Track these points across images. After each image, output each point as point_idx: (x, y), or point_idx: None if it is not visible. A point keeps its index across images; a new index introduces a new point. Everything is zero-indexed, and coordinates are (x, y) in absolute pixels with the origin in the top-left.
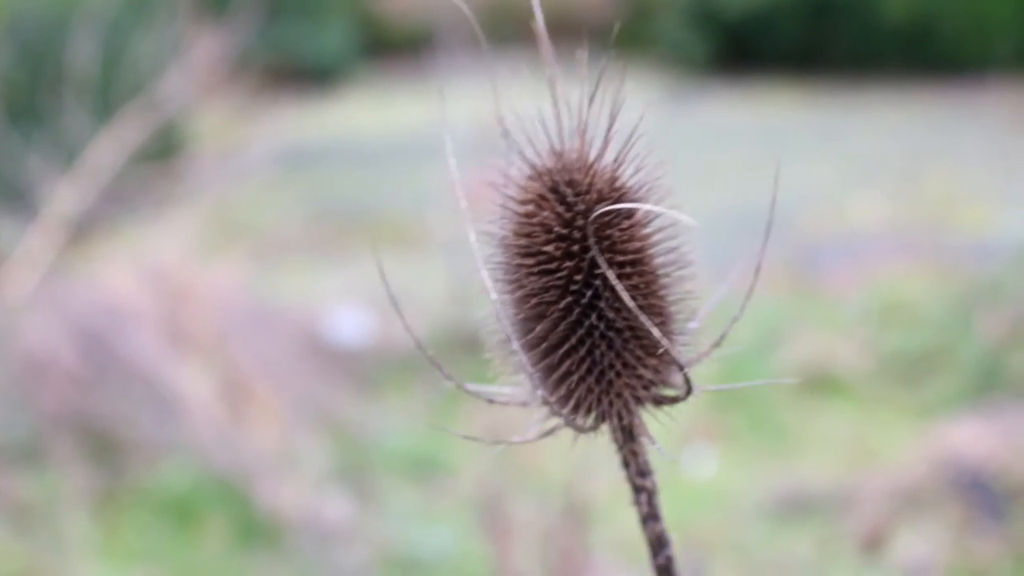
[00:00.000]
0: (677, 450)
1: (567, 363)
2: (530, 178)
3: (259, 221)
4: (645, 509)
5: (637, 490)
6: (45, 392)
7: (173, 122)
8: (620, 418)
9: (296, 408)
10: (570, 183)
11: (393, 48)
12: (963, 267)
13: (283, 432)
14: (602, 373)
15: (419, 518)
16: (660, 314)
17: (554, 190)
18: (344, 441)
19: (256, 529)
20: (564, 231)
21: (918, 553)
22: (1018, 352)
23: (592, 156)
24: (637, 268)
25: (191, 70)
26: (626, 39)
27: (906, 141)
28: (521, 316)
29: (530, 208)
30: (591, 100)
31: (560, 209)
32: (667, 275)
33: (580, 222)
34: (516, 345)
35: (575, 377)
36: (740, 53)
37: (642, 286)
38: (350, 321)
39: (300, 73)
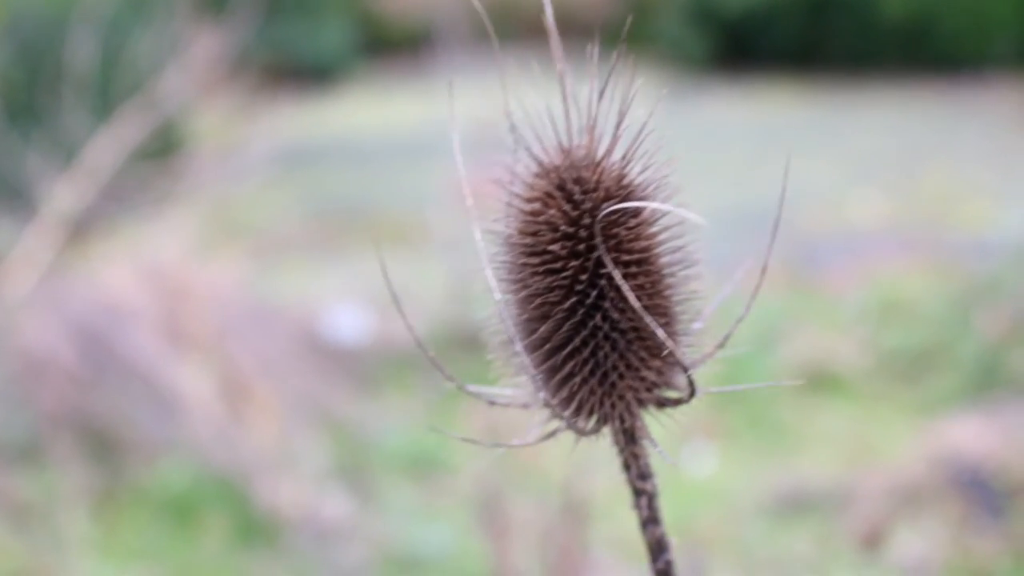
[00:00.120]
0: (677, 448)
1: (570, 364)
2: (537, 175)
3: (258, 220)
4: (645, 513)
5: (638, 493)
6: (44, 391)
7: (172, 121)
8: (622, 421)
9: (295, 407)
10: (577, 180)
11: (392, 46)
12: (962, 264)
13: (282, 431)
14: (605, 375)
15: (418, 516)
16: (665, 315)
17: (561, 188)
18: (343, 440)
19: (255, 528)
20: (570, 230)
21: (917, 551)
22: (1017, 349)
23: (600, 153)
24: (643, 268)
25: (190, 69)
26: (626, 36)
27: (905, 138)
28: (525, 317)
29: (536, 206)
30: (600, 97)
31: (567, 207)
32: (673, 275)
33: (587, 220)
34: (519, 346)
35: (578, 379)
36: (739, 51)
37: (648, 286)
38: (349, 319)
39: (299, 71)
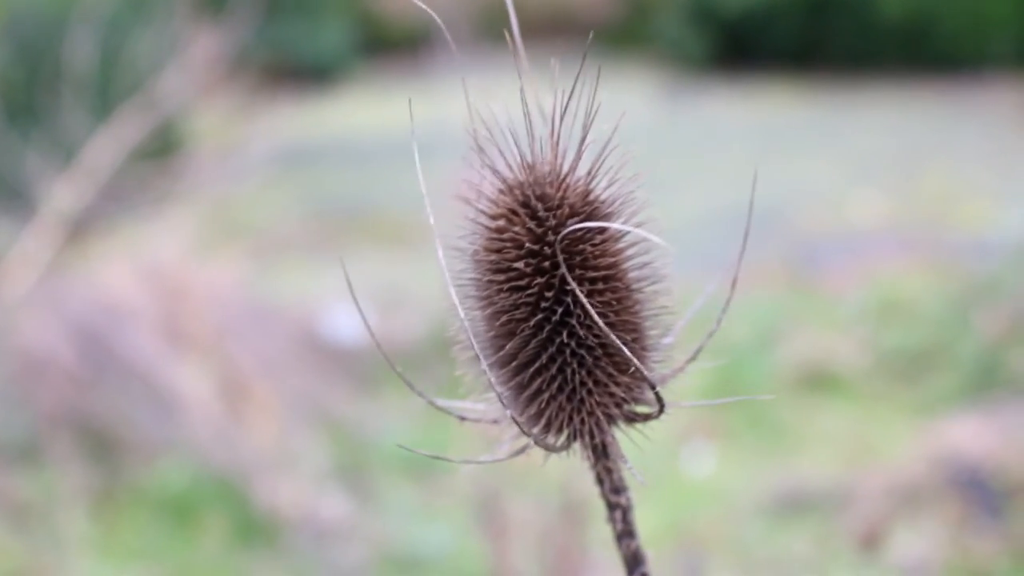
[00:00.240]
0: (675, 448)
1: (538, 381)
2: (501, 192)
3: (257, 219)
4: (620, 526)
5: (611, 507)
6: (43, 391)
7: (171, 120)
8: (592, 436)
9: (294, 406)
10: (541, 197)
11: (391, 46)
12: (961, 264)
13: (281, 431)
14: (573, 391)
15: (417, 516)
16: (633, 330)
17: (525, 205)
18: (342, 439)
19: (254, 527)
20: (535, 247)
21: (916, 550)
22: (1016, 349)
23: (565, 169)
24: (610, 284)
25: (189, 69)
26: (625, 37)
27: (904, 138)
28: (491, 333)
29: (501, 223)
30: (564, 110)
31: (531, 224)
32: (641, 290)
33: (551, 238)
34: (485, 364)
35: (546, 395)
36: (738, 51)
37: (614, 302)
38: (348, 319)
39: (298, 71)
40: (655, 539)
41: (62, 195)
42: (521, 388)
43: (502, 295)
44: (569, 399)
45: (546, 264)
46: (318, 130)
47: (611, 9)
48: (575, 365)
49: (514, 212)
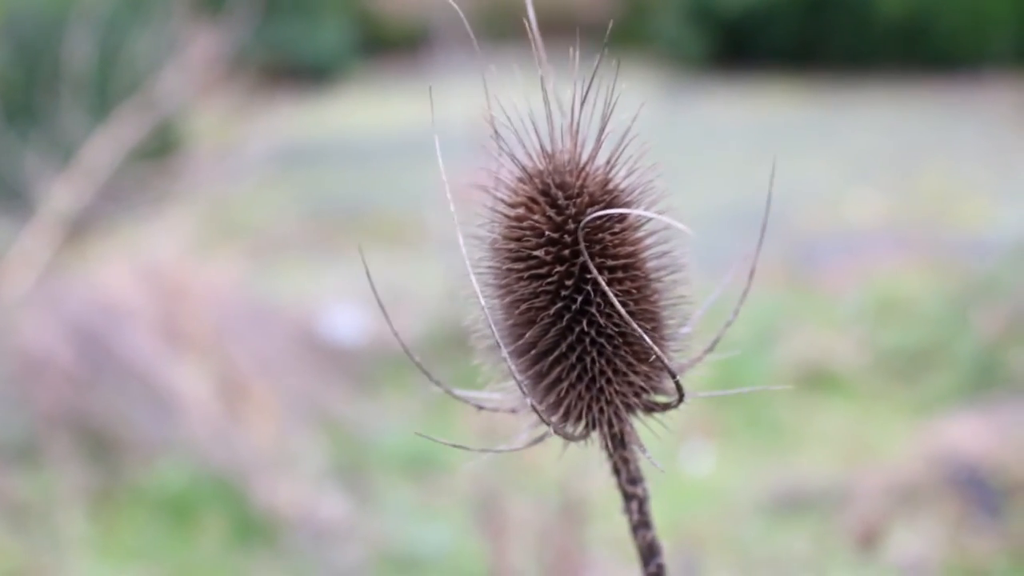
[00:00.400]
0: (674, 447)
1: (557, 370)
2: (521, 180)
3: (256, 219)
4: (636, 517)
5: (628, 497)
6: (41, 391)
7: (170, 120)
8: (610, 426)
9: (293, 406)
10: (561, 186)
11: (390, 46)
12: (959, 263)
13: (280, 430)
14: (592, 380)
15: (416, 516)
16: (652, 319)
17: (545, 193)
18: (341, 439)
19: (253, 527)
20: (555, 235)
21: (914, 549)
22: (1015, 348)
23: (584, 158)
24: (629, 273)
25: (188, 68)
26: (624, 36)
27: (903, 137)
28: (511, 322)
29: (520, 211)
30: (584, 100)
31: (551, 212)
32: (660, 280)
33: (571, 226)
34: (505, 352)
35: (565, 384)
36: (737, 50)
37: (634, 291)
38: (347, 319)
39: (297, 71)
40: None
41: (60, 195)
42: (540, 377)
43: (521, 283)
44: (588, 388)
45: (566, 252)
46: (317, 130)
47: (610, 8)
48: (594, 354)
49: (534, 200)
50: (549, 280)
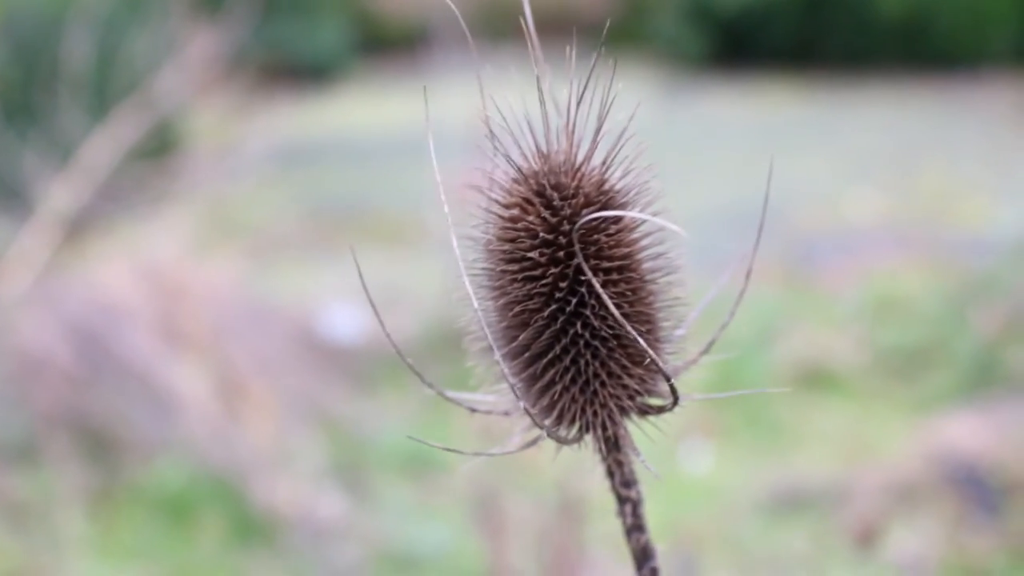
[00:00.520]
0: (673, 446)
1: (551, 373)
2: (515, 181)
3: (255, 218)
4: (630, 520)
5: (622, 501)
6: (40, 390)
7: (168, 120)
8: (604, 429)
9: (291, 405)
10: (556, 186)
11: (389, 45)
12: (958, 262)
13: (278, 429)
14: (587, 383)
15: (414, 515)
16: (647, 322)
17: (540, 194)
18: (339, 438)
19: (251, 526)
20: (549, 237)
21: (913, 548)
22: (1013, 347)
23: (580, 159)
24: (624, 275)
25: (186, 68)
26: (622, 35)
27: (902, 136)
28: (504, 324)
29: (515, 212)
30: (579, 100)
31: (546, 214)
32: (655, 281)
33: (566, 227)
34: (498, 355)
35: (559, 387)
36: (736, 49)
37: (629, 293)
38: (345, 318)
39: (296, 70)
40: (651, 536)
41: (59, 195)
42: (533, 379)
43: (516, 285)
44: (582, 391)
45: (561, 254)
46: (316, 129)
47: (609, 7)
48: (589, 356)
49: (529, 201)
50: (543, 282)
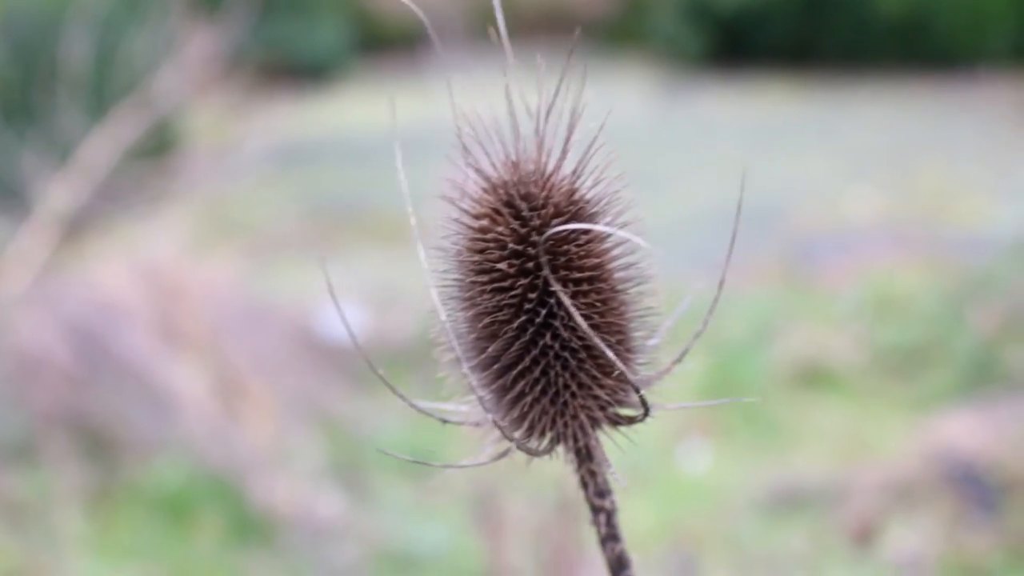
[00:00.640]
0: (671, 445)
1: (521, 384)
2: (484, 190)
3: (253, 218)
4: (604, 530)
5: (595, 511)
6: (38, 389)
7: (167, 119)
8: (575, 440)
9: (290, 404)
10: (526, 197)
11: (387, 44)
12: (956, 260)
13: (277, 428)
14: (556, 394)
15: (413, 514)
16: (618, 332)
17: (509, 204)
18: (338, 437)
19: (250, 526)
20: (519, 247)
21: (911, 546)
22: (1011, 345)
23: (550, 167)
24: (595, 285)
25: (185, 67)
26: (621, 34)
27: (900, 135)
28: (474, 335)
29: (484, 223)
30: (550, 108)
31: (515, 224)
32: (626, 292)
33: (535, 238)
34: (466, 368)
35: (529, 398)
36: (734, 48)
37: (599, 304)
38: (344, 318)
39: (294, 70)
40: (650, 536)
41: (58, 194)
42: (504, 391)
43: (485, 296)
44: (552, 402)
45: (530, 265)
46: (314, 128)
47: (607, 6)
48: (559, 367)
49: (497, 212)
50: (512, 293)
